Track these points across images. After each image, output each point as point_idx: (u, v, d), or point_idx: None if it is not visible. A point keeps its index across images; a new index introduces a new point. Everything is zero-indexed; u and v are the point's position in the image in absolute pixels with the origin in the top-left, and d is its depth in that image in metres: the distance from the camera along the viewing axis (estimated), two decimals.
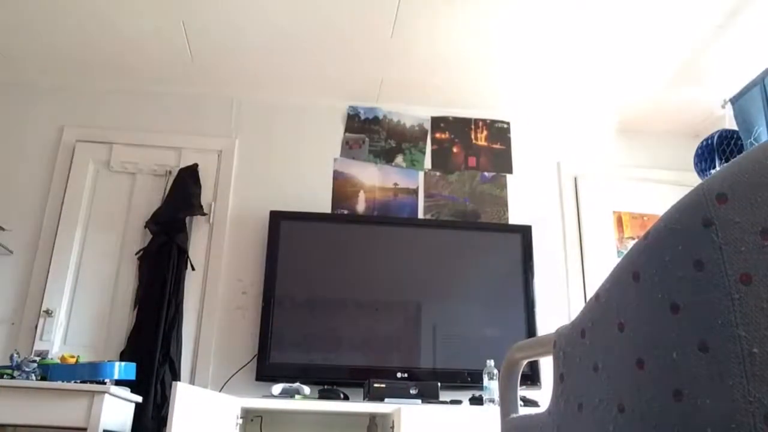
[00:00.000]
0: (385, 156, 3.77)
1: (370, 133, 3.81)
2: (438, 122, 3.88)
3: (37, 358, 2.59)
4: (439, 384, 2.93)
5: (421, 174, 3.77)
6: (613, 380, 0.72)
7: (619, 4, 2.96)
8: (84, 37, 3.32)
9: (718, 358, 0.58)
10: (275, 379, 3.03)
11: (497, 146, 3.87)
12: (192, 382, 3.20)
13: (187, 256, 3.36)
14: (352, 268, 3.41)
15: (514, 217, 3.70)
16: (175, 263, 3.28)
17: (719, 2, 2.91)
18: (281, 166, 3.68)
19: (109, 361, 2.75)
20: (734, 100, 3.32)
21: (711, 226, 0.60)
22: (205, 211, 3.48)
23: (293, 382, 2.95)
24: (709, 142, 3.29)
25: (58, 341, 3.23)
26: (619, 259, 0.75)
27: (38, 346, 3.14)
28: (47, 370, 2.53)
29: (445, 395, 2.96)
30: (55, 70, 3.63)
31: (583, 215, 3.76)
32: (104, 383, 2.51)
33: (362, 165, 3.74)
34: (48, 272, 3.33)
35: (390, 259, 3.43)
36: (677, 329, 0.62)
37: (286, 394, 2.89)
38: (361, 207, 3.65)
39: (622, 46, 3.25)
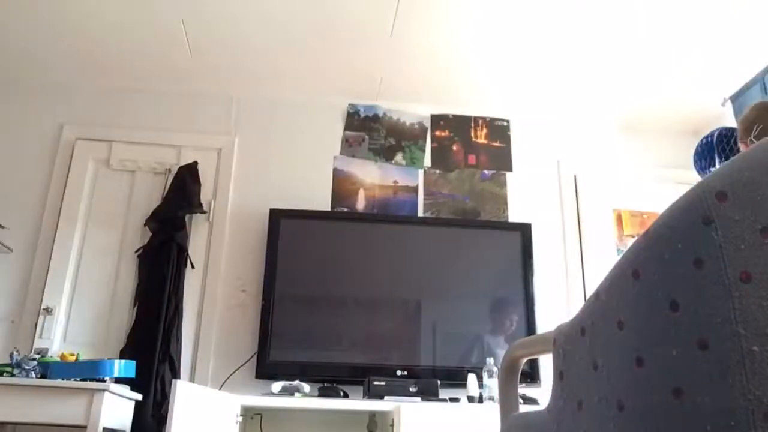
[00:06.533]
0: (385, 154, 3.77)
1: (369, 131, 3.80)
2: (438, 120, 3.88)
3: (37, 356, 2.59)
4: (438, 382, 2.93)
5: (421, 172, 3.77)
6: (612, 378, 0.72)
7: (618, 3, 2.95)
8: (84, 35, 3.32)
9: (717, 356, 0.58)
10: (275, 377, 3.03)
11: (497, 144, 3.87)
12: (192, 379, 3.20)
13: (187, 254, 3.36)
14: (351, 266, 3.41)
15: (514, 215, 3.70)
16: (175, 261, 3.28)
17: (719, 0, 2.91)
18: (281, 163, 3.68)
19: (108, 359, 2.75)
20: (734, 98, 3.32)
21: (711, 224, 0.60)
22: (205, 209, 3.48)
23: (293, 379, 2.95)
24: (709, 140, 3.29)
25: (57, 339, 3.23)
26: (618, 257, 0.75)
27: (38, 343, 3.14)
28: (47, 368, 2.54)
29: (444, 393, 2.96)
30: (55, 68, 3.62)
31: (583, 213, 3.76)
32: (104, 381, 2.51)
33: (362, 163, 3.73)
34: (48, 270, 3.33)
35: (390, 257, 3.43)
36: (677, 327, 0.62)
37: (286, 391, 2.89)
38: (360, 205, 3.65)
39: (621, 44, 3.25)
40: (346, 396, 2.97)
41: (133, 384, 2.75)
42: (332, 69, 3.58)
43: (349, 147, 3.76)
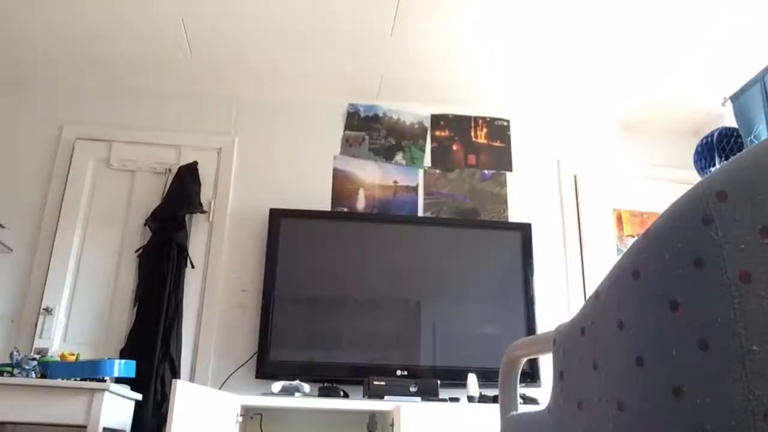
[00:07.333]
0: (385, 154, 3.77)
1: (369, 131, 3.80)
2: (438, 120, 3.88)
3: (37, 356, 2.59)
4: (438, 382, 2.93)
5: (421, 172, 3.77)
6: (612, 378, 0.72)
7: (618, 3, 2.95)
8: (84, 34, 3.32)
9: (717, 356, 0.58)
10: (275, 377, 3.03)
11: (497, 144, 3.87)
12: (192, 379, 3.20)
13: (187, 254, 3.36)
14: (351, 265, 3.41)
15: (514, 215, 3.70)
16: (175, 261, 3.28)
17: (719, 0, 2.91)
18: (281, 163, 3.68)
19: (108, 358, 2.75)
20: (734, 98, 3.32)
21: (711, 223, 0.60)
22: (205, 208, 3.48)
23: (293, 379, 2.95)
24: (709, 139, 3.29)
25: (57, 339, 3.23)
26: (618, 257, 0.75)
27: (38, 343, 3.14)
28: (47, 368, 2.53)
29: (444, 393, 2.96)
30: (55, 68, 3.62)
31: (583, 213, 3.76)
32: (104, 381, 2.51)
33: (362, 163, 3.73)
34: (48, 270, 3.33)
35: (390, 256, 3.43)
36: (677, 327, 0.62)
37: (286, 391, 2.89)
38: (360, 205, 3.65)
39: (622, 43, 3.25)
40: (346, 396, 2.97)
41: (133, 384, 2.75)
42: (332, 68, 3.58)
43: (349, 147, 3.76)
